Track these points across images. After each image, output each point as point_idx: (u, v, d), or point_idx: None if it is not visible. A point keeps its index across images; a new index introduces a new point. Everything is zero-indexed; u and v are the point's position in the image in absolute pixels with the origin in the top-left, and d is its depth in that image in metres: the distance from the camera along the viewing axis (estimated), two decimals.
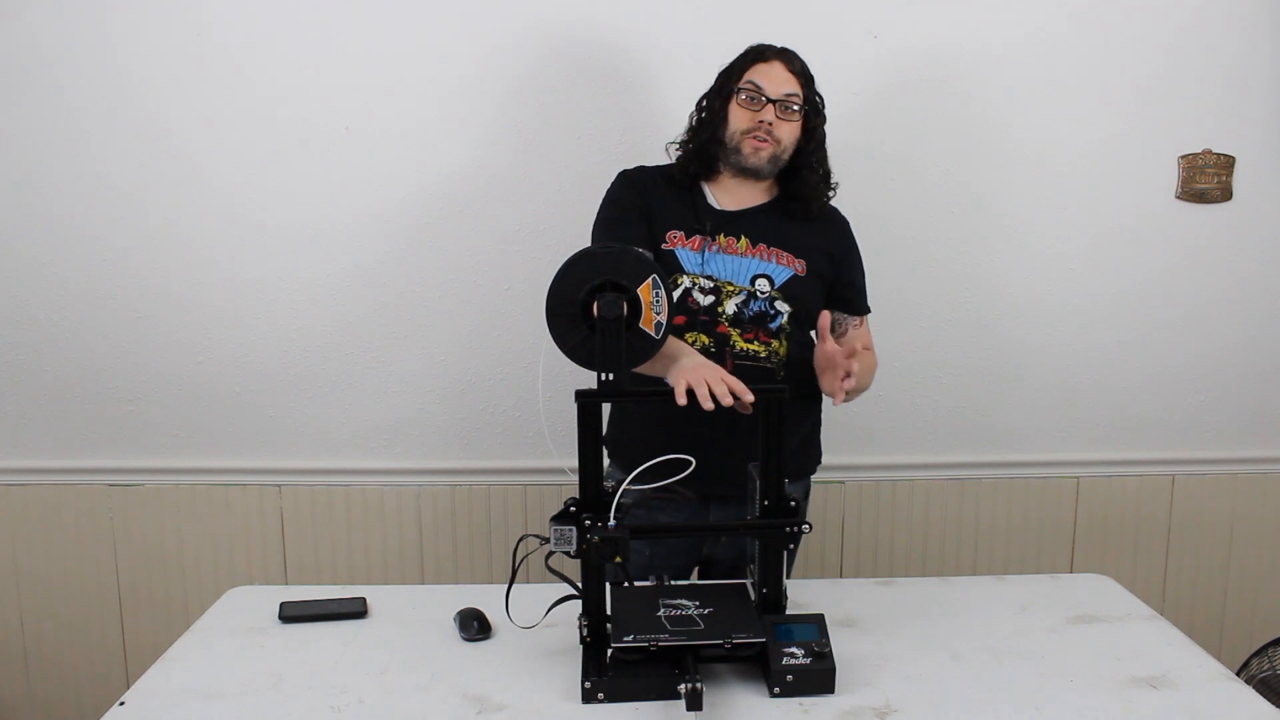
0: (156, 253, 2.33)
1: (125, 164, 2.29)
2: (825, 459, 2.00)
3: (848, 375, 1.64)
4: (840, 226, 1.93)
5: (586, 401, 1.43)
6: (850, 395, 1.67)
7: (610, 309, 1.40)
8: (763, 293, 1.81)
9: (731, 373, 1.73)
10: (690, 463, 1.48)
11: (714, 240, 1.81)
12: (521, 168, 2.32)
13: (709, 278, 1.80)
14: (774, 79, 1.79)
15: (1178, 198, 2.39)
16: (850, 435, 2.40)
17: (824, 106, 1.86)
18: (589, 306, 1.43)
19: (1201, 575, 2.56)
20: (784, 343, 1.83)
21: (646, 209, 1.84)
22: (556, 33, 2.27)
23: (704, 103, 1.88)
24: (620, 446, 1.89)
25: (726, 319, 1.80)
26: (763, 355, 1.80)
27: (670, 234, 1.82)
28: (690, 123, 1.89)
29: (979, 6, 2.29)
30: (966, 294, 2.41)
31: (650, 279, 1.44)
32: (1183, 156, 2.37)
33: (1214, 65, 2.33)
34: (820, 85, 1.85)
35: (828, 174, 1.88)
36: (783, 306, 1.82)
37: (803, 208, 1.86)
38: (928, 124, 2.33)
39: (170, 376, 2.39)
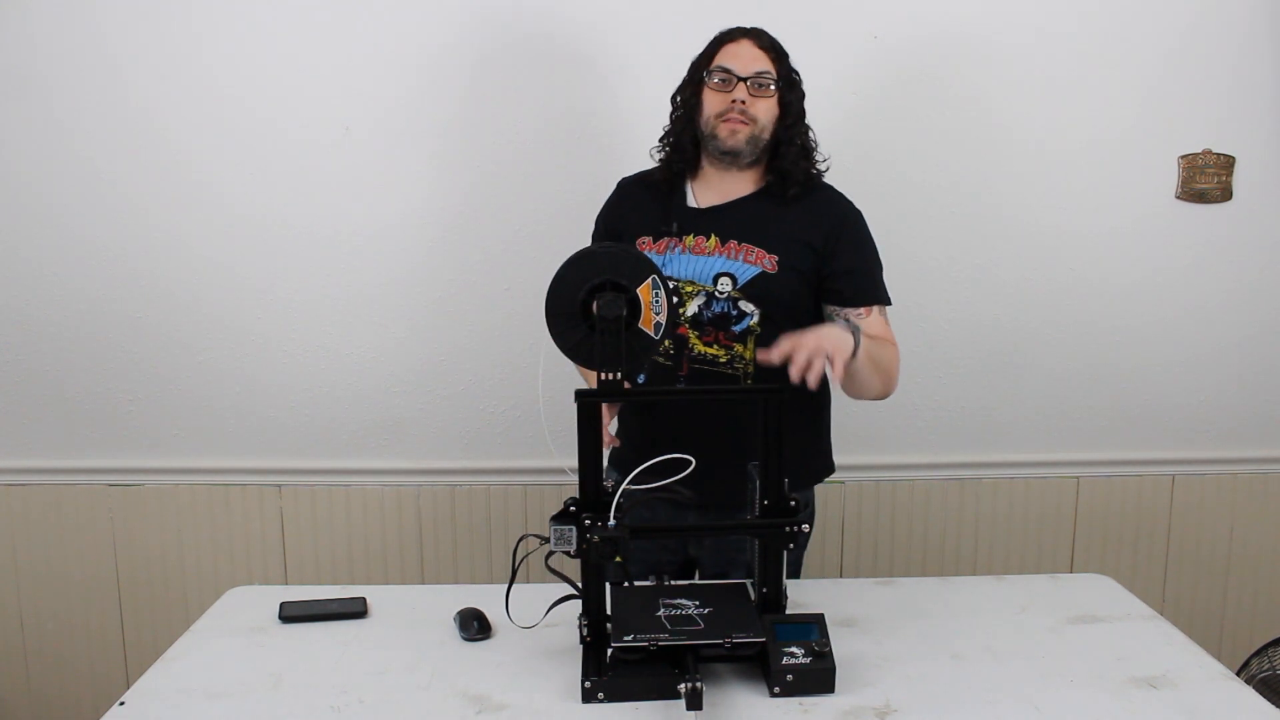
0: (156, 253, 2.33)
1: (125, 165, 2.29)
2: None
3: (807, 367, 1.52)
4: (837, 217, 1.80)
5: (586, 401, 1.43)
6: (850, 379, 1.63)
7: (610, 309, 1.41)
8: (723, 293, 1.74)
9: (686, 376, 1.73)
10: (690, 462, 1.48)
11: (680, 241, 1.77)
12: (522, 167, 2.32)
13: (670, 279, 1.75)
14: (743, 58, 1.75)
15: (1178, 198, 2.39)
16: (850, 435, 2.39)
17: (800, 81, 1.81)
18: (589, 306, 1.43)
19: (1201, 575, 2.56)
20: (751, 347, 1.75)
21: (617, 230, 1.83)
22: (556, 33, 2.27)
23: (678, 96, 1.84)
24: (619, 452, 1.86)
25: (687, 321, 1.75)
26: (723, 360, 1.75)
27: (639, 241, 1.79)
28: (669, 119, 1.85)
29: (980, 5, 2.29)
30: (966, 293, 2.41)
31: (650, 279, 1.44)
32: (1183, 156, 2.37)
33: (1214, 65, 2.33)
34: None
35: (807, 148, 1.80)
36: (748, 307, 1.74)
37: (784, 184, 1.78)
38: (928, 123, 2.33)
39: (170, 376, 2.39)
